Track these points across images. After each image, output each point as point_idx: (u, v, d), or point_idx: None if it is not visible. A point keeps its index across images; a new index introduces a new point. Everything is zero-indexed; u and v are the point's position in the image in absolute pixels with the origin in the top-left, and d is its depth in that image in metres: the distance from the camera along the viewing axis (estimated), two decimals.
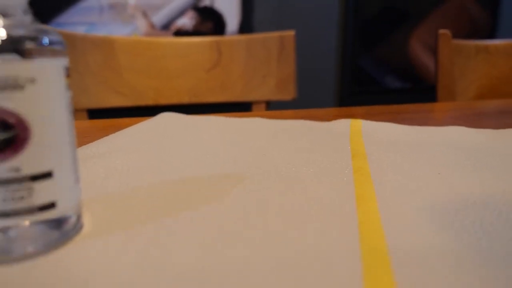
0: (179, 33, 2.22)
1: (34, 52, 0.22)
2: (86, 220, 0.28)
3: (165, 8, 2.21)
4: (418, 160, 0.40)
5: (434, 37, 2.42)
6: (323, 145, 0.46)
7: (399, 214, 0.29)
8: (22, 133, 0.22)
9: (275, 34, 0.95)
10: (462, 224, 0.27)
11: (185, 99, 0.97)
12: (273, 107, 1.94)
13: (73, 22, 2.06)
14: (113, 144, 0.46)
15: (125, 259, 0.23)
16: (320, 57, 2.34)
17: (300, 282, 0.21)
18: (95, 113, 1.04)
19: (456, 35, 2.39)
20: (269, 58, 0.96)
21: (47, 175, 0.23)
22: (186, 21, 2.23)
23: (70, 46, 0.87)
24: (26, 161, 0.22)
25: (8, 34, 0.22)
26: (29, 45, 0.22)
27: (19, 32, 0.22)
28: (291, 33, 0.95)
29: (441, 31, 0.98)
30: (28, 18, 0.23)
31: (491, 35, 2.55)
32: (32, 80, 0.22)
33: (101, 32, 2.13)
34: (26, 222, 0.23)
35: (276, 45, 0.95)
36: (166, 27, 2.22)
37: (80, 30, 2.05)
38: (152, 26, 2.20)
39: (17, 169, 0.22)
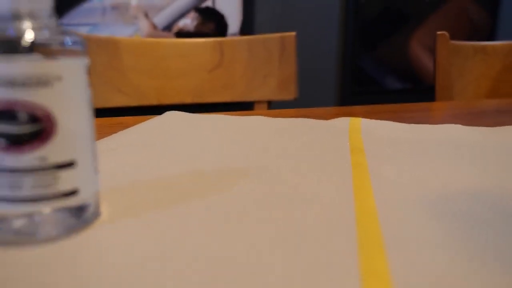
0: (181, 34, 2.24)
1: (60, 52, 0.25)
2: (103, 209, 0.30)
3: (167, 9, 2.23)
4: (415, 156, 0.42)
5: (434, 38, 2.44)
6: (323, 141, 0.48)
7: (394, 205, 0.31)
8: (49, 126, 0.24)
9: (277, 35, 0.97)
10: (454, 214, 0.29)
11: (188, 99, 0.99)
12: (275, 107, 1.96)
13: (76, 23, 2.08)
14: (123, 140, 0.48)
15: (140, 243, 0.26)
16: (321, 57, 2.36)
17: (301, 264, 0.23)
18: (99, 113, 1.06)
19: (456, 36, 2.41)
20: (270, 58, 0.98)
21: (70, 164, 0.25)
22: (188, 22, 2.25)
23: None
24: (52, 151, 0.24)
25: (36, 36, 0.24)
26: (55, 46, 0.24)
27: (46, 34, 0.25)
28: (292, 34, 0.97)
29: (439, 32, 1.00)
30: (53, 21, 0.25)
31: (491, 36, 2.57)
32: (59, 78, 0.24)
33: (103, 33, 2.15)
34: (50, 208, 0.25)
35: (277, 45, 0.98)
36: (168, 28, 2.24)
37: (83, 31, 2.07)
38: (154, 27, 2.22)
39: (43, 159, 0.24)
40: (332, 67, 2.40)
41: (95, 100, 0.93)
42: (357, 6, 2.37)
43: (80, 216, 0.27)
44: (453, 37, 1.08)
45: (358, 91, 2.47)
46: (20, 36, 0.24)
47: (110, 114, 0.68)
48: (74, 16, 2.08)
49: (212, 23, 2.27)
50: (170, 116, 0.60)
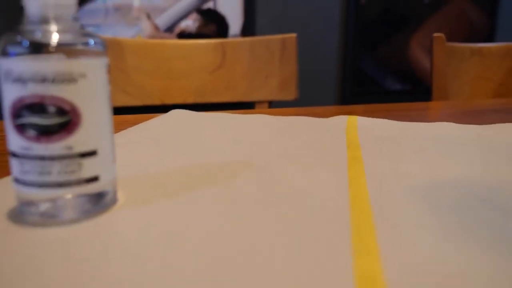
0: (183, 35, 2.27)
1: (84, 52, 0.27)
2: (120, 196, 0.33)
3: (169, 11, 2.26)
4: (407, 150, 0.45)
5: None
6: (321, 137, 0.51)
7: (386, 192, 0.34)
8: (75, 118, 0.27)
9: (278, 36, 1.00)
10: (440, 202, 0.32)
11: (191, 99, 1.02)
12: (275, 107, 1.99)
13: None
14: (132, 136, 0.51)
15: (153, 226, 0.28)
16: (321, 58, 2.39)
17: (298, 241, 0.26)
18: None
19: (456, 38, 2.44)
20: (271, 59, 1.01)
21: (93, 153, 0.28)
22: (190, 23, 2.28)
23: None
24: (77, 141, 0.27)
25: (62, 38, 0.27)
26: (79, 47, 0.27)
27: (71, 36, 0.27)
28: (292, 35, 1.00)
29: (436, 34, 1.03)
30: (77, 24, 0.28)
31: (490, 37, 2.60)
32: (83, 75, 0.27)
33: (106, 34, 2.18)
34: (73, 193, 0.28)
35: (278, 46, 1.00)
36: (169, 29, 2.27)
37: None
38: (156, 28, 2.25)
39: (69, 148, 0.27)
40: (333, 68, 2.43)
41: None
42: (357, 8, 2.40)
43: (100, 201, 0.30)
44: (453, 38, 1.11)
45: (358, 91, 2.50)
46: (48, 38, 0.27)
47: (114, 114, 0.71)
48: None
49: (213, 24, 2.30)
50: (176, 114, 0.63)
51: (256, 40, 1.01)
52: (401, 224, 0.28)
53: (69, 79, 0.26)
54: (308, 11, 2.31)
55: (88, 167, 0.28)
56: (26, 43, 0.26)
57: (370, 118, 0.61)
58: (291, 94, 1.02)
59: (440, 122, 0.59)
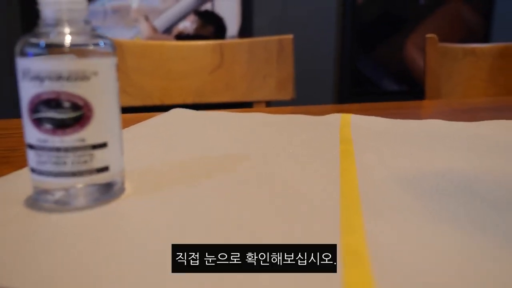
0: (181, 36, 2.29)
1: (95, 53, 0.30)
2: (127, 186, 0.35)
3: (167, 12, 2.28)
4: (396, 145, 0.48)
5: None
6: (316, 133, 0.53)
7: (374, 181, 0.36)
8: (87, 113, 0.29)
9: (275, 37, 1.02)
10: (424, 189, 0.35)
11: (190, 100, 1.04)
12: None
13: None
14: (136, 133, 0.53)
15: (159, 213, 0.31)
16: (319, 59, 2.42)
17: (292, 218, 0.29)
18: None
19: (452, 39, 2.46)
20: (269, 60, 1.03)
21: (103, 145, 0.31)
22: (188, 25, 2.30)
23: None
24: (89, 133, 0.30)
25: (75, 40, 0.29)
26: (91, 47, 0.30)
27: (83, 37, 0.30)
28: (289, 36, 1.02)
29: (428, 35, 1.06)
30: (89, 26, 0.31)
31: (486, 38, 2.63)
32: (95, 74, 0.29)
33: None
34: (84, 183, 0.31)
35: (275, 47, 1.03)
36: (168, 30, 2.29)
37: None
38: (154, 29, 2.27)
39: (82, 140, 0.30)
40: (330, 68, 2.46)
41: None
42: (354, 9, 2.42)
43: (109, 190, 0.32)
44: (449, 39, 1.13)
45: (355, 92, 2.53)
46: (62, 40, 0.29)
47: None
48: None
49: (211, 26, 2.32)
50: (176, 112, 0.66)
51: (254, 41, 1.03)
52: (386, 207, 0.31)
53: (82, 77, 0.29)
54: (306, 12, 2.33)
55: (99, 158, 0.31)
56: (43, 44, 0.29)
57: (363, 116, 0.63)
58: (288, 94, 1.04)
59: (429, 120, 0.61)
